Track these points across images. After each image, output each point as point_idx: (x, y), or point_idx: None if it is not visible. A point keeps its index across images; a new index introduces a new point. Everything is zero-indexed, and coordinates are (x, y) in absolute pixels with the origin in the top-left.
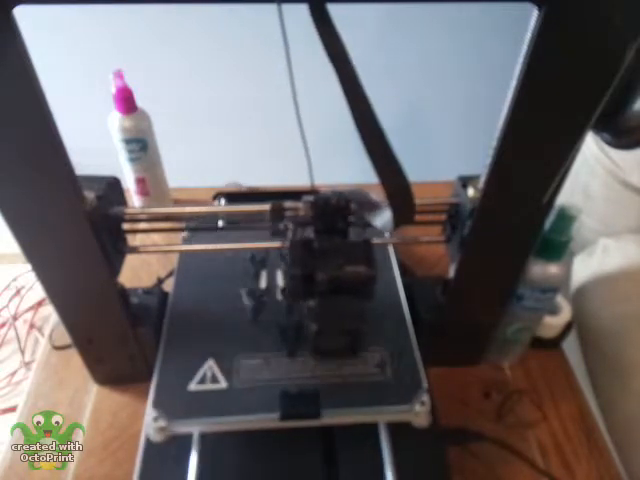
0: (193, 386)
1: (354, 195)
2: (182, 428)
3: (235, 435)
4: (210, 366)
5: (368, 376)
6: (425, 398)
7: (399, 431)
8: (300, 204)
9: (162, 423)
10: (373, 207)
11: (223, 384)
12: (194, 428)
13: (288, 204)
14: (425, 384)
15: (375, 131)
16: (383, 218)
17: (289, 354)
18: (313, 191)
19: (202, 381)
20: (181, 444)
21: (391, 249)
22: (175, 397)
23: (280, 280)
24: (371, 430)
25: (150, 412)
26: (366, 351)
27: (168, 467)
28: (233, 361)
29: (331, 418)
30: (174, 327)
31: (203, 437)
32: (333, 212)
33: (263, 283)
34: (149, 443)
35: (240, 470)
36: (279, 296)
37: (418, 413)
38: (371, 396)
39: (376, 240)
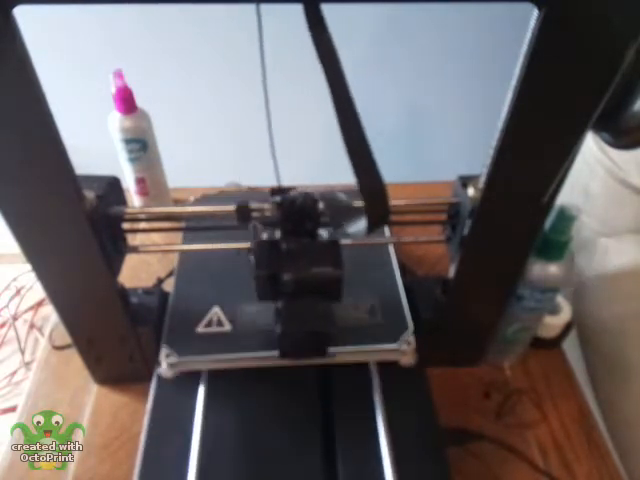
0: (201, 329)
1: (324, 196)
2: (191, 365)
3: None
4: (216, 312)
5: (360, 320)
6: (411, 338)
7: (388, 372)
8: (267, 205)
9: (174, 359)
10: (344, 209)
11: (227, 327)
12: (202, 365)
13: (255, 205)
14: (411, 327)
15: (357, 132)
16: (356, 223)
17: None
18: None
19: (209, 325)
20: (182, 441)
21: (391, 249)
22: (185, 338)
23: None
24: (363, 369)
25: (163, 350)
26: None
27: (168, 466)
28: (236, 308)
29: (325, 357)
30: (183, 281)
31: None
32: (300, 213)
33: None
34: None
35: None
36: None
37: (404, 351)
38: (362, 337)
39: (376, 240)
